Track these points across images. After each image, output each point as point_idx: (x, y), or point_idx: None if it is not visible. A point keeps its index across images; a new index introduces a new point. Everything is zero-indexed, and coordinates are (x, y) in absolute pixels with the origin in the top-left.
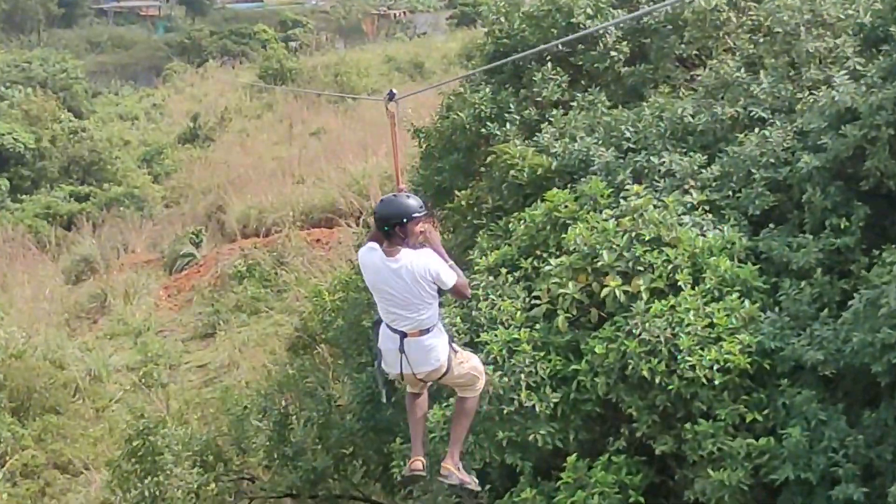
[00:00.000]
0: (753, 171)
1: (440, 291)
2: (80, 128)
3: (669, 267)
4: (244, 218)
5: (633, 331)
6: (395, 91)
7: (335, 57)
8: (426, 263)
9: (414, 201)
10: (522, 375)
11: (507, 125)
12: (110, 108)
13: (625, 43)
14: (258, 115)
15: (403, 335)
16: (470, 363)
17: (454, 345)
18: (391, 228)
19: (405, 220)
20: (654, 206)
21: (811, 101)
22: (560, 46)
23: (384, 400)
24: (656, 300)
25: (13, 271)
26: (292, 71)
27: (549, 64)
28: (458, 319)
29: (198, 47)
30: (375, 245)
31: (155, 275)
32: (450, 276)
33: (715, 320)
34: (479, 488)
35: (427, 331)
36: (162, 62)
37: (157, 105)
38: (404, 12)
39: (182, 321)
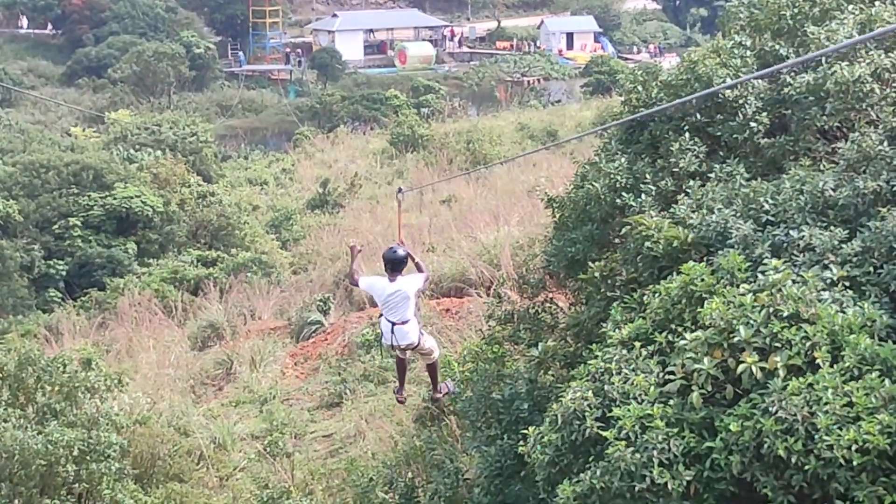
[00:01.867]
0: (895, 246)
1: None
2: (208, 192)
3: (808, 344)
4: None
5: (770, 408)
6: (402, 187)
7: (467, 124)
8: (411, 284)
9: (403, 252)
10: (655, 452)
11: (643, 196)
12: (239, 173)
13: (765, 114)
14: (388, 182)
15: (394, 324)
16: (430, 342)
17: (422, 331)
18: (399, 266)
19: (403, 265)
20: (793, 282)
21: None
22: (698, 116)
23: (390, 353)
24: (793, 378)
25: (139, 336)
26: (424, 137)
27: (687, 134)
28: (590, 393)
29: (329, 112)
30: (384, 277)
31: (281, 342)
32: (422, 281)
33: (854, 399)
34: (455, 389)
35: (406, 321)
36: (292, 127)
37: (287, 170)
38: (538, 79)
39: (308, 390)
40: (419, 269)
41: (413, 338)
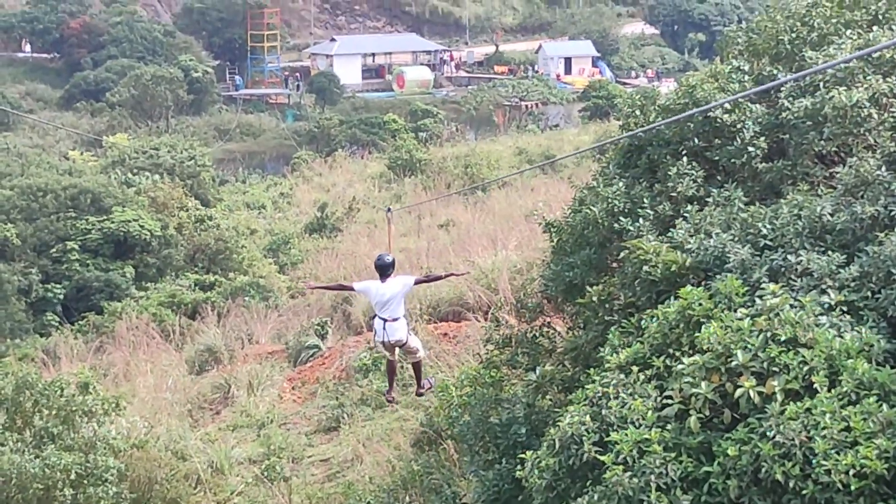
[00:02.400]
0: (893, 271)
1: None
2: (206, 216)
3: (805, 368)
4: (370, 310)
5: (767, 433)
6: (391, 207)
7: (465, 148)
8: (401, 282)
9: (391, 258)
10: (653, 477)
11: (641, 220)
12: (237, 197)
13: (763, 138)
14: (387, 206)
15: (385, 321)
16: (416, 342)
17: (409, 330)
18: (387, 270)
19: (391, 269)
20: (791, 306)
21: None
22: (696, 141)
23: (381, 351)
24: (791, 402)
25: (137, 360)
26: (422, 161)
27: (685, 158)
28: (588, 418)
29: (327, 136)
30: (377, 280)
31: (279, 366)
32: (411, 282)
33: (852, 424)
34: (434, 382)
35: (397, 318)
36: (290, 151)
37: (285, 194)
38: (536, 104)
39: (306, 414)
40: (433, 280)
41: (402, 335)
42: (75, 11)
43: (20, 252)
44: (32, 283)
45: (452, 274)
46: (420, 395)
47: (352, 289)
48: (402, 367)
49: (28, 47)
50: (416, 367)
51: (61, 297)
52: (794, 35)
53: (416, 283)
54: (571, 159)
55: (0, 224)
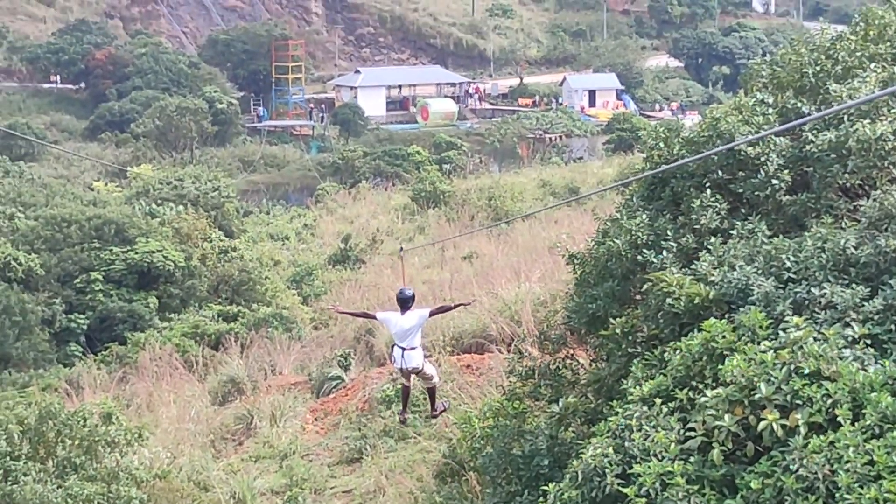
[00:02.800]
0: None
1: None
2: (230, 247)
3: (829, 401)
4: (391, 340)
5: (791, 466)
6: (403, 247)
7: (489, 180)
8: (418, 314)
9: (411, 292)
10: None
11: (664, 253)
12: (261, 228)
13: (786, 171)
14: (410, 238)
15: (404, 349)
16: (431, 369)
17: (425, 358)
18: (408, 303)
19: (411, 302)
20: (815, 339)
21: None
22: (720, 173)
23: (398, 377)
24: (814, 435)
25: (160, 391)
26: (445, 193)
27: (709, 191)
28: (611, 450)
29: (350, 168)
30: (398, 311)
31: (302, 397)
32: (427, 314)
33: (875, 458)
34: (448, 405)
35: (414, 348)
36: (314, 182)
37: (308, 225)
38: (560, 136)
39: (328, 445)
40: (444, 311)
41: (418, 362)
42: (100, 43)
43: (44, 282)
44: (56, 313)
45: (461, 304)
46: (434, 416)
47: (374, 317)
48: (421, 393)
49: (57, 78)
50: (431, 391)
51: (85, 327)
52: (818, 68)
53: (431, 314)
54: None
55: (24, 254)
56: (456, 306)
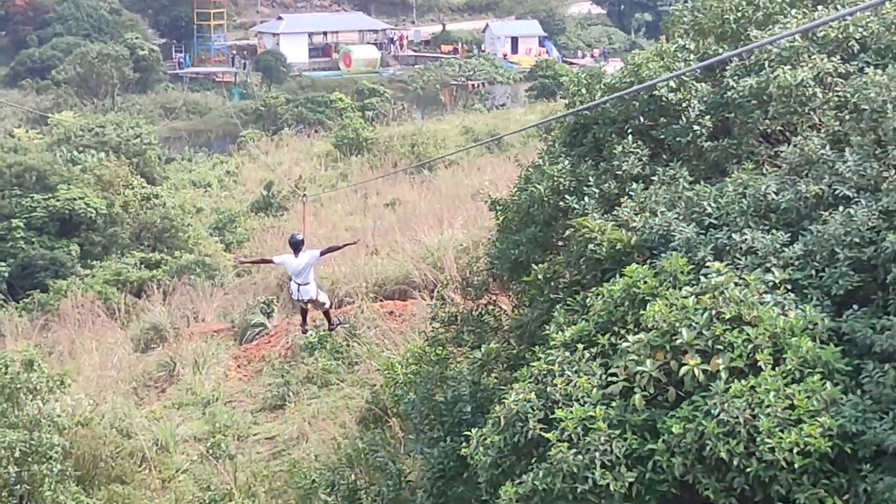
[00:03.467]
0: (837, 250)
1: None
2: (152, 194)
3: (749, 346)
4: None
5: (712, 411)
6: (306, 195)
7: (412, 127)
8: (309, 254)
9: (301, 237)
10: (597, 454)
11: (586, 199)
12: (183, 175)
13: (708, 117)
14: (333, 185)
15: (299, 284)
16: (323, 297)
17: (319, 289)
18: (299, 246)
19: (302, 244)
20: (735, 284)
21: None
22: (641, 119)
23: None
24: (736, 380)
25: (82, 338)
26: (368, 140)
27: (630, 137)
28: (533, 395)
29: (273, 115)
30: (291, 254)
31: (225, 345)
32: (317, 254)
33: (795, 402)
34: (344, 320)
35: (308, 283)
36: (236, 129)
37: (231, 173)
38: (483, 83)
39: (251, 392)
40: (332, 250)
41: (312, 294)
42: None
43: None
44: None
45: (348, 244)
46: (331, 330)
47: (272, 261)
48: (343, 340)
49: None
50: (326, 313)
51: (6, 274)
52: (739, 14)
53: (322, 254)
54: (517, 138)
55: None
56: (343, 246)
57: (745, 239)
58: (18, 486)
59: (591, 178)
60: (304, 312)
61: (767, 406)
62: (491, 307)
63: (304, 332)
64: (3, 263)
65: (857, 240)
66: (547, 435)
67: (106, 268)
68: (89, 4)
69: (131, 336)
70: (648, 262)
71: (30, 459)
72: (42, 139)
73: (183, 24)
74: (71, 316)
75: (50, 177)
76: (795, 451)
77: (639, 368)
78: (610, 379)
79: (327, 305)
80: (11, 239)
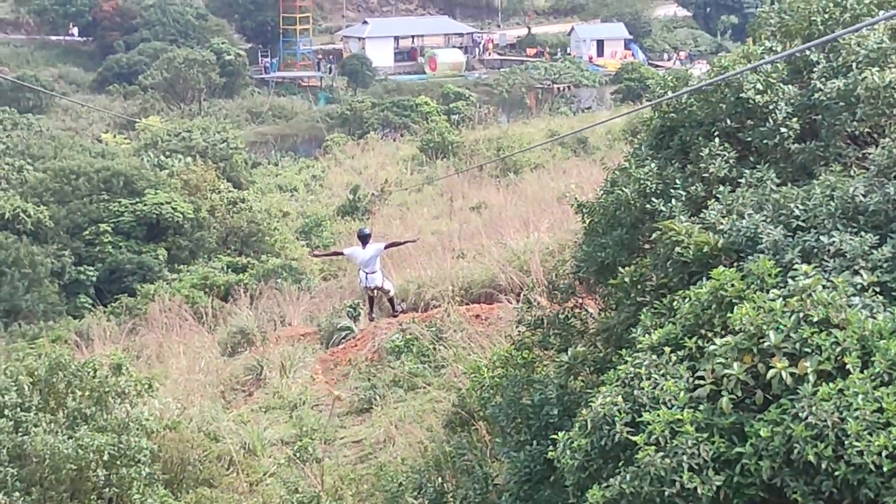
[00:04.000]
0: None
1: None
2: (238, 198)
3: (838, 349)
4: (403, 292)
5: (800, 414)
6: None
7: (497, 131)
8: (375, 247)
9: (369, 230)
10: (685, 457)
11: (673, 201)
12: (269, 179)
13: (795, 119)
14: (419, 189)
15: (367, 273)
16: (388, 285)
17: (385, 277)
18: (366, 239)
19: (369, 238)
20: (823, 287)
21: None
22: (728, 122)
23: (364, 292)
24: (824, 383)
25: (169, 342)
26: (454, 144)
27: (717, 139)
28: (620, 398)
29: (359, 119)
30: (359, 246)
31: (311, 348)
32: (383, 246)
33: (884, 405)
34: (405, 307)
35: (374, 272)
36: (322, 133)
37: (317, 177)
38: (568, 86)
39: (338, 395)
40: (395, 245)
41: (378, 282)
42: None
43: (53, 234)
44: (65, 265)
45: (410, 241)
46: (395, 315)
47: (342, 253)
48: (430, 342)
49: (75, 31)
50: (391, 300)
51: (94, 279)
52: (826, 16)
53: (386, 247)
54: (604, 141)
55: (33, 207)
56: (405, 242)
57: (833, 241)
58: (107, 490)
59: (677, 181)
60: (371, 301)
61: (856, 409)
62: (577, 310)
63: (371, 319)
64: (91, 268)
65: None
66: (634, 438)
67: (193, 272)
68: (176, 10)
69: (218, 340)
70: (735, 264)
71: (118, 463)
72: (129, 144)
73: (269, 29)
74: (158, 320)
75: (137, 181)
76: (884, 454)
77: (726, 371)
78: (697, 382)
79: (392, 293)
80: (100, 244)
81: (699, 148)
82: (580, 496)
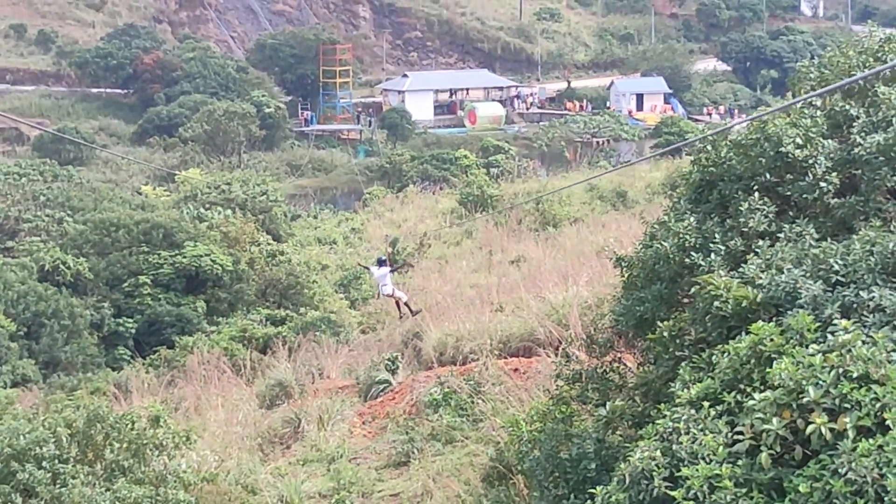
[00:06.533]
0: None
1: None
2: (278, 251)
3: (877, 405)
4: (441, 345)
5: (839, 470)
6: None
7: (537, 184)
8: (386, 269)
9: (384, 257)
10: None
11: (712, 255)
12: (309, 232)
13: (834, 174)
14: (457, 242)
15: (381, 285)
16: (399, 294)
17: (395, 289)
18: (383, 263)
19: (385, 262)
20: (863, 342)
21: None
22: (768, 176)
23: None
24: (863, 439)
25: (207, 394)
26: (493, 198)
27: (756, 194)
28: (658, 453)
29: (398, 172)
30: (378, 265)
31: (349, 401)
32: (388, 269)
33: None
34: (419, 309)
35: (385, 285)
36: (361, 187)
37: (356, 229)
38: (608, 140)
39: (376, 449)
40: (394, 270)
41: (388, 292)
42: (149, 47)
43: (93, 286)
44: (105, 317)
45: (407, 265)
46: (414, 315)
47: (368, 269)
48: (469, 395)
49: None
50: (406, 304)
51: (133, 331)
52: (866, 70)
53: (391, 270)
54: (642, 195)
55: (73, 258)
56: (402, 266)
57: (873, 296)
58: None
59: (716, 235)
60: (398, 304)
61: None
62: (616, 364)
63: (401, 317)
64: (130, 320)
65: None
66: (673, 493)
67: (232, 324)
68: (216, 62)
69: (256, 392)
70: (774, 319)
71: None
72: (169, 196)
73: (309, 82)
74: (197, 372)
75: (177, 234)
76: None
77: (765, 427)
78: (736, 437)
79: (405, 299)
80: (139, 295)
81: (738, 202)
82: None
